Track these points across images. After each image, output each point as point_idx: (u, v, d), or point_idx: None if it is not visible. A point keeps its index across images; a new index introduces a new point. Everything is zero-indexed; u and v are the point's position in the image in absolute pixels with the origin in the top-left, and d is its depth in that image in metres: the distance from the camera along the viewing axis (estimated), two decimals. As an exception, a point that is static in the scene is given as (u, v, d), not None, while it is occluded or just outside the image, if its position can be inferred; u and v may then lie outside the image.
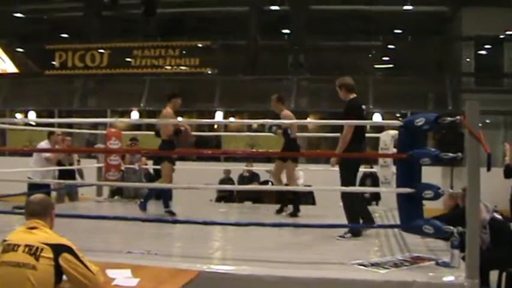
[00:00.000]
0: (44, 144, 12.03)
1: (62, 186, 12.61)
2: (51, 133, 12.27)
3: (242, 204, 14.41)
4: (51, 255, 4.22)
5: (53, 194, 12.53)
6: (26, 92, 23.81)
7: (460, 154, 6.20)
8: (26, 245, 4.25)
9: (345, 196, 8.20)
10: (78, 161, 13.62)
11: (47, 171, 12.09)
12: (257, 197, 14.88)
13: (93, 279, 4.39)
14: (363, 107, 8.44)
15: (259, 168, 16.59)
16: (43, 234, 4.37)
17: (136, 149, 13.86)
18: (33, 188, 11.23)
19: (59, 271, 4.25)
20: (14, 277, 4.19)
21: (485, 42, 21.53)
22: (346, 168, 8.28)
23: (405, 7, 21.99)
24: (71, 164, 13.01)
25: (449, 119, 6.22)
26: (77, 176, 13.76)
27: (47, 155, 11.94)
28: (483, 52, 21.88)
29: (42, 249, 4.22)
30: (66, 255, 4.28)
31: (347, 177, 8.23)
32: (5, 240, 4.41)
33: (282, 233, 7.86)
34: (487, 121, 19.13)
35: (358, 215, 8.25)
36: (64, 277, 4.29)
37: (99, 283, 4.44)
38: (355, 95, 8.39)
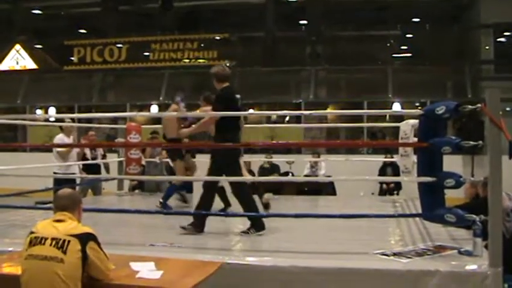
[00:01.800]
0: (59, 137, 11.98)
1: (85, 180, 12.62)
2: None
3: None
4: (78, 246, 4.29)
5: (77, 188, 12.57)
6: (46, 88, 23.92)
7: (481, 142, 6.17)
8: (53, 238, 4.30)
9: (206, 186, 7.97)
10: (104, 155, 13.60)
11: (70, 165, 12.08)
12: (277, 188, 14.86)
13: (108, 267, 4.52)
14: (237, 96, 8.17)
15: (279, 159, 16.59)
16: (68, 226, 4.43)
17: (157, 142, 13.88)
18: (59, 182, 11.27)
19: (85, 262, 4.31)
20: (42, 271, 4.24)
21: (504, 29, 21.33)
22: (218, 159, 8.02)
23: (423, -5, 21.90)
24: (93, 159, 13.03)
25: (469, 107, 6.19)
26: (103, 170, 13.74)
27: (59, 149, 11.86)
28: (502, 39, 21.69)
29: (69, 242, 4.28)
30: (91, 243, 4.37)
31: (217, 167, 7.94)
32: (32, 232, 4.46)
33: (303, 223, 7.84)
34: (507, 109, 18.99)
35: (250, 203, 7.89)
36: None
37: (111, 270, 4.54)
38: (227, 84, 8.12)
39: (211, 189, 7.95)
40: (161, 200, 10.23)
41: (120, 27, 23.53)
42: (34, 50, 24.04)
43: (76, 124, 13.16)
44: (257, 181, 15.24)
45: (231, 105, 7.92)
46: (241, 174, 8.40)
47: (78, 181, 12.45)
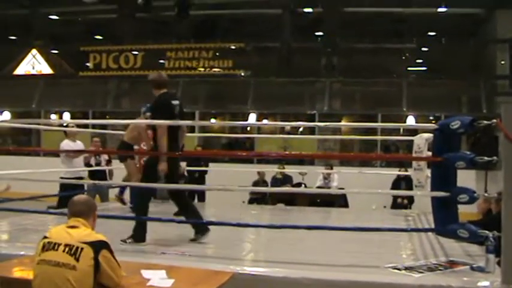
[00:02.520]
0: (65, 143, 12.02)
1: (92, 186, 12.62)
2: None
3: (275, 206, 14.38)
4: (91, 254, 4.29)
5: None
6: (61, 93, 24.01)
7: (495, 158, 6.15)
8: (66, 245, 4.31)
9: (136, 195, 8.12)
10: (109, 161, 13.58)
11: (77, 171, 12.12)
12: (290, 199, 14.86)
13: (120, 275, 4.51)
14: (174, 102, 7.90)
15: (292, 170, 16.58)
16: (82, 233, 4.43)
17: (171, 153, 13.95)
18: (65, 188, 11.30)
19: (97, 270, 4.31)
20: (54, 276, 4.25)
21: (521, 44, 21.29)
22: (150, 168, 7.92)
23: (439, 9, 21.84)
24: (97, 165, 13.02)
25: (484, 122, 6.17)
26: (108, 177, 13.76)
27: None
28: (518, 55, 21.64)
29: (82, 249, 4.28)
30: (104, 251, 4.37)
31: (148, 176, 7.87)
32: (45, 237, 4.47)
33: (315, 235, 7.83)
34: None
35: (189, 209, 8.07)
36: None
37: (122, 278, 4.54)
38: (164, 91, 7.97)
39: (144, 197, 8.04)
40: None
41: (136, 34, 23.61)
42: (50, 55, 24.18)
43: (89, 130, 13.17)
44: (270, 192, 15.38)
45: (166, 112, 7.75)
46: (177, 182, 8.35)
47: (85, 187, 12.48)
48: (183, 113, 8.00)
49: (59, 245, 4.33)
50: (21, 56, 23.75)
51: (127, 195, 11.53)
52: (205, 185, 15.25)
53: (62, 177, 11.44)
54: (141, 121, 9.91)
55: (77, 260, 4.26)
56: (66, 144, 11.84)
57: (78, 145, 12.16)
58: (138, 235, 7.54)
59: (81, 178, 12.04)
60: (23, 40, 24.77)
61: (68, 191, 10.61)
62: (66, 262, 4.26)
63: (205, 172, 15.48)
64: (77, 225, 4.51)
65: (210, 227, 8.01)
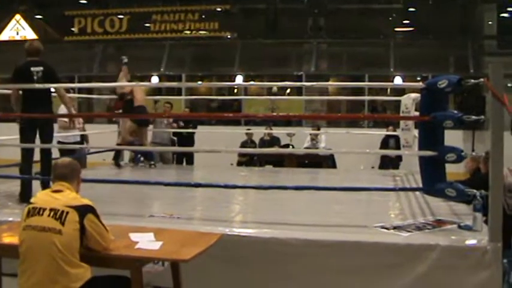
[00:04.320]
0: (62, 108, 11.97)
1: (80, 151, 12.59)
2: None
3: (263, 168, 14.40)
4: (76, 218, 4.27)
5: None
6: (46, 59, 23.55)
7: (483, 117, 6.15)
8: (51, 209, 4.28)
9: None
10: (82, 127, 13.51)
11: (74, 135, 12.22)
12: (278, 161, 14.88)
13: (107, 239, 4.50)
14: (32, 69, 8.14)
15: (280, 131, 16.57)
16: (67, 197, 4.40)
17: (159, 113, 14.05)
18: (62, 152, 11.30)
19: (83, 234, 4.30)
20: (40, 241, 4.23)
21: (508, 4, 21.21)
22: (25, 130, 8.25)
23: (426, -31, 21.77)
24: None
25: (472, 81, 6.17)
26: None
27: (63, 120, 11.88)
28: (505, 15, 21.56)
29: (67, 213, 4.26)
30: (90, 216, 4.35)
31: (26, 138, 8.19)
32: (30, 203, 4.45)
33: (303, 196, 7.83)
34: (509, 85, 18.95)
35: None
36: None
37: (110, 242, 4.54)
38: (30, 59, 8.31)
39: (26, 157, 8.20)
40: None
41: (121, -3, 23.42)
42: (34, 21, 23.91)
43: (76, 95, 13.11)
44: (258, 153, 15.38)
45: (19, 78, 8.11)
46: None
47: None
48: (52, 79, 8.16)
49: (44, 209, 4.30)
50: (5, 21, 23.49)
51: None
52: (193, 147, 15.23)
53: (59, 142, 11.48)
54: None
55: (62, 224, 4.23)
56: (64, 111, 11.84)
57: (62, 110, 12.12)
58: (23, 194, 7.85)
59: (80, 142, 12.14)
60: (6, 6, 24.45)
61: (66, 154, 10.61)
62: (51, 226, 4.23)
63: (194, 134, 15.44)
64: (61, 189, 4.48)
65: (199, 189, 8.04)
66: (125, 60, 12.28)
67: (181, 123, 14.87)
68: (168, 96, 16.45)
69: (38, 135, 8.24)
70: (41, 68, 8.13)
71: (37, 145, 8.22)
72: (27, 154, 8.21)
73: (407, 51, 21.24)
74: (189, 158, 15.30)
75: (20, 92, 8.23)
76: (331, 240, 5.83)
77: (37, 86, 8.00)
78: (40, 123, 8.21)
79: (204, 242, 4.87)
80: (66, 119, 11.21)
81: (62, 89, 8.74)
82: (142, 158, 12.66)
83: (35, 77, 8.07)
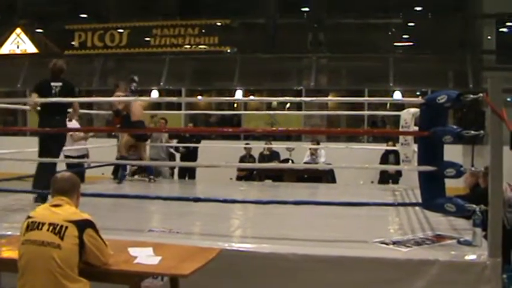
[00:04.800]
0: (72, 123, 12.16)
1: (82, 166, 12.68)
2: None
3: (262, 183, 14.40)
4: (75, 232, 4.28)
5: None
6: (46, 72, 23.70)
7: (482, 132, 6.16)
8: (50, 224, 4.29)
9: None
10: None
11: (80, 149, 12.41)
12: (277, 175, 14.87)
13: (106, 254, 4.49)
14: (52, 84, 9.12)
15: (279, 146, 16.57)
16: (67, 212, 4.41)
17: (158, 128, 14.08)
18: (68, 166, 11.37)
19: (82, 248, 4.30)
20: (39, 256, 4.23)
21: (507, 19, 21.28)
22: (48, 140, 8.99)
23: (425, -16, 21.85)
24: None
25: (471, 96, 6.17)
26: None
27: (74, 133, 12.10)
28: (504, 30, 21.63)
29: (66, 228, 4.27)
30: (89, 231, 4.36)
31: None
32: (29, 217, 4.45)
33: (303, 211, 7.83)
34: (508, 99, 18.96)
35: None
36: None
37: (109, 256, 4.54)
38: (52, 76, 9.31)
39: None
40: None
41: (121, 12, 23.47)
42: (35, 34, 24.00)
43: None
44: (257, 168, 15.39)
45: (40, 91, 9.10)
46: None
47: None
48: (68, 94, 9.12)
49: (43, 224, 4.31)
50: (6, 35, 23.58)
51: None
52: (193, 162, 15.25)
53: (66, 155, 11.81)
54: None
55: (62, 238, 4.24)
56: (74, 125, 11.99)
57: (74, 124, 12.25)
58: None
59: (84, 156, 12.29)
60: (7, 19, 24.55)
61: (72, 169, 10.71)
62: (50, 241, 4.24)
63: (197, 149, 15.48)
64: (61, 204, 4.48)
65: (198, 203, 8.04)
66: (135, 81, 12.43)
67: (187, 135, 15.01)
68: (167, 111, 16.49)
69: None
70: (60, 84, 9.09)
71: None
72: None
73: (407, 66, 21.27)
74: (191, 173, 15.33)
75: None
76: (331, 256, 5.82)
77: (53, 99, 8.89)
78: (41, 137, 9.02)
79: (203, 257, 4.87)
80: (81, 133, 11.52)
81: (75, 103, 9.71)
82: (126, 173, 12.64)
83: (54, 91, 9.00)
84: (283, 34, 22.70)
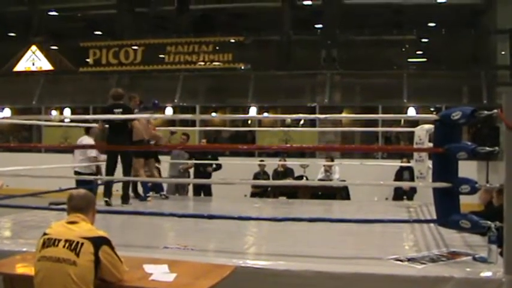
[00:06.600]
0: (87, 141, 12.33)
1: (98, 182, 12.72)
2: (88, 128, 12.54)
3: (277, 200, 14.38)
4: (91, 249, 4.29)
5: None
6: (61, 89, 24.02)
7: (497, 148, 6.14)
8: (66, 240, 4.31)
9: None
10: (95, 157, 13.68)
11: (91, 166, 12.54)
12: (292, 192, 14.86)
13: (121, 271, 4.51)
14: (115, 110, 10.64)
15: (293, 162, 16.57)
16: (82, 228, 4.43)
17: (173, 144, 14.18)
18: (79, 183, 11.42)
19: (97, 265, 4.31)
20: (55, 272, 4.25)
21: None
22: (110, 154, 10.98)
23: (438, 0, 21.83)
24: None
25: (485, 112, 6.16)
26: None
27: (93, 154, 12.20)
28: (518, 45, 21.59)
29: (82, 244, 4.28)
30: (105, 247, 4.37)
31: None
32: (45, 234, 4.47)
33: (317, 228, 7.81)
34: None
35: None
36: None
37: (124, 273, 4.55)
38: (114, 102, 10.97)
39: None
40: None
41: (135, 29, 23.61)
42: (50, 52, 24.16)
43: (89, 125, 13.32)
44: (271, 185, 15.38)
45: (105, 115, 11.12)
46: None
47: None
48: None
49: (59, 240, 4.33)
50: (21, 52, 23.77)
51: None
52: (209, 179, 15.24)
53: (76, 172, 12.12)
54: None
55: (77, 255, 4.26)
56: (88, 142, 12.29)
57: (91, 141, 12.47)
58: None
59: (95, 174, 12.34)
60: (22, 37, 24.78)
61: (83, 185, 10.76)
62: (66, 258, 4.26)
63: (212, 166, 15.50)
64: (77, 221, 4.51)
65: (213, 220, 8.05)
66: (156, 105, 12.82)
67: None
68: (182, 127, 16.52)
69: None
70: (121, 110, 10.62)
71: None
72: (108, 170, 10.93)
73: (421, 82, 21.26)
74: (207, 189, 15.32)
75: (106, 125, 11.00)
76: (345, 273, 5.80)
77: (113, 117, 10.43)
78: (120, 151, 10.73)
79: (217, 274, 4.88)
80: (94, 154, 12.22)
81: (135, 123, 11.01)
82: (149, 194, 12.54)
83: (116, 113, 10.49)
84: (296, 51, 22.77)
